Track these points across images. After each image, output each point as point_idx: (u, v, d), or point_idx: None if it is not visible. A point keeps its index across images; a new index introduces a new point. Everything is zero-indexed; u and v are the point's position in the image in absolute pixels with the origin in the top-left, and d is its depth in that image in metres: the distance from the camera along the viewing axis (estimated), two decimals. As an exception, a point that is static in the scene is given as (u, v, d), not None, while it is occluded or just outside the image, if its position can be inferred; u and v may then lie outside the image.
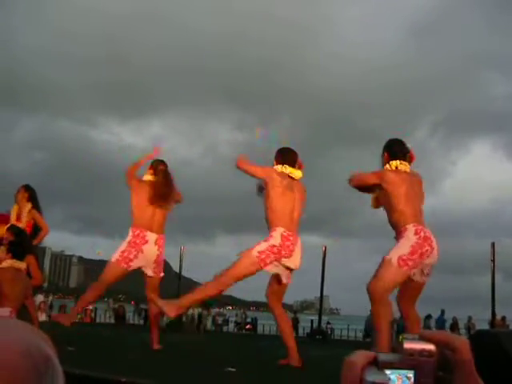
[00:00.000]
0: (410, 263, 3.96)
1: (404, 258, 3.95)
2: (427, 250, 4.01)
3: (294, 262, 4.51)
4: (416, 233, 4.04)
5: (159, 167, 5.65)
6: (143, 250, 5.31)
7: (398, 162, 4.38)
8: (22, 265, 5.50)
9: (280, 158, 4.80)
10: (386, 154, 4.46)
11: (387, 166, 4.39)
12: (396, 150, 4.45)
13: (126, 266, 5.26)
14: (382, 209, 4.41)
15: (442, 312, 19.58)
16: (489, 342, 2.28)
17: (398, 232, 4.13)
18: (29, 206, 6.89)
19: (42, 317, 17.12)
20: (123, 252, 5.28)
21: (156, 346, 5.30)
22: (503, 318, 17.71)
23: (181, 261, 11.40)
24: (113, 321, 21.17)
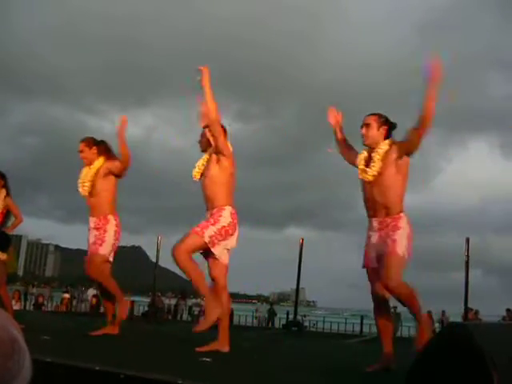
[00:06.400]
0: (411, 252, 3.91)
1: (409, 250, 3.88)
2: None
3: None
4: (408, 222, 3.97)
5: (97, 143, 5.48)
6: None
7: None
8: (3, 256, 5.47)
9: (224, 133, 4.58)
10: (386, 127, 4.09)
11: (392, 141, 4.04)
12: (391, 126, 4.14)
13: None
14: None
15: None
16: (460, 334, 2.32)
17: (392, 218, 3.93)
18: (3, 192, 6.75)
19: (16, 306, 16.98)
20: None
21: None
22: (476, 312, 18.00)
23: (158, 250, 11.35)
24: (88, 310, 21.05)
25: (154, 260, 11.91)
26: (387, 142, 4.06)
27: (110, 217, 5.37)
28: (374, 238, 4.01)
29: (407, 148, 3.97)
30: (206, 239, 4.29)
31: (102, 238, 5.30)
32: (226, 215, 4.42)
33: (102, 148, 5.45)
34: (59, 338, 4.81)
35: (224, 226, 4.39)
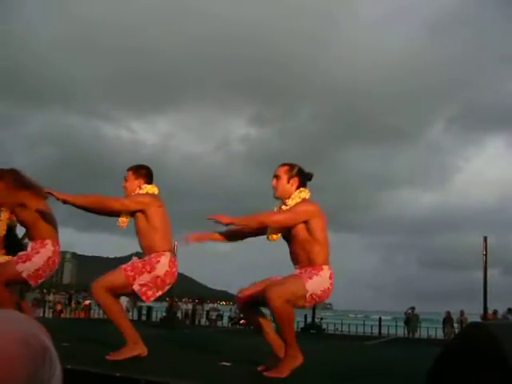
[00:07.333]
0: (312, 303, 3.73)
1: (314, 296, 3.66)
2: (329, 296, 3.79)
3: None
4: (330, 277, 3.76)
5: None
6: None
7: (307, 190, 3.90)
8: None
9: (148, 177, 4.38)
10: (297, 179, 3.87)
11: (300, 193, 3.84)
12: (305, 177, 3.92)
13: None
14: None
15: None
16: (481, 335, 2.30)
17: (313, 268, 3.72)
18: None
19: (36, 313, 17.13)
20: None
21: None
22: (495, 312, 17.82)
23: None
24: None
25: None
26: (297, 194, 3.85)
27: (48, 241, 4.55)
28: None
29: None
30: (136, 287, 4.03)
31: (30, 257, 4.45)
32: (164, 262, 4.10)
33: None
34: (79, 345, 4.84)
35: (159, 276, 4.07)
